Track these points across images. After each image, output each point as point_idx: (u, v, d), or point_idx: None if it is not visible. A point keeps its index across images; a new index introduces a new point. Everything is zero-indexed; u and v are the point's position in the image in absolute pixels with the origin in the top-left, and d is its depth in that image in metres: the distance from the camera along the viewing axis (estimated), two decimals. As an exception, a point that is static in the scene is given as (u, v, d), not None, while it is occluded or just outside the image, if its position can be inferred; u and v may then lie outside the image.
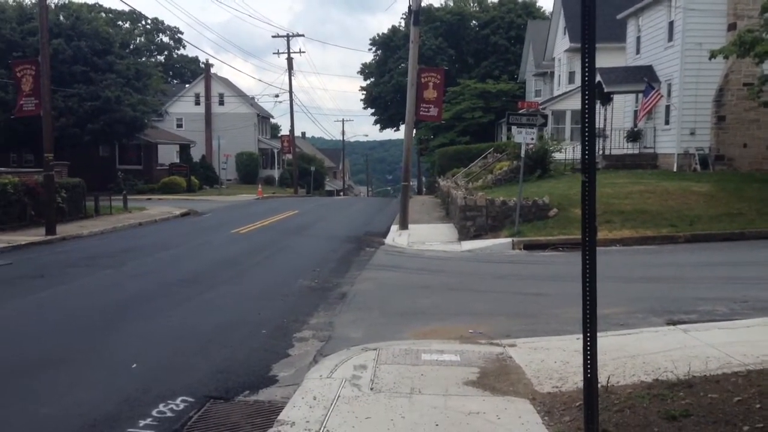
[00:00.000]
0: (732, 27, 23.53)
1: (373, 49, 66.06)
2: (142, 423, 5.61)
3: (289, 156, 57.68)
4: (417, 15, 21.28)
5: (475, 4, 67.69)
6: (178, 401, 6.08)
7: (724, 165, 24.29)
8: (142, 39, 68.77)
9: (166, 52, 76.97)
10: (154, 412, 5.83)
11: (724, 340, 7.11)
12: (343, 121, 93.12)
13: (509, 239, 16.63)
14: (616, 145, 28.52)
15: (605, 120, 28.51)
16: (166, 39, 76.35)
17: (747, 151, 24.29)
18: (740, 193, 18.99)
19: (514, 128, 18.86)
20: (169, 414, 5.82)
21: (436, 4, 65.19)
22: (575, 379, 5.91)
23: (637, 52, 29.88)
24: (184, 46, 77.42)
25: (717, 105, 24.51)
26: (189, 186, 43.11)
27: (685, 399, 5.27)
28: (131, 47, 45.55)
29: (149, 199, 35.77)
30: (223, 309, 10.04)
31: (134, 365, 7.18)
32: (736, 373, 5.85)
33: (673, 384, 5.63)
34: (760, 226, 16.48)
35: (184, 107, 60.10)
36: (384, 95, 63.62)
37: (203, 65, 64.17)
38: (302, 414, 5.43)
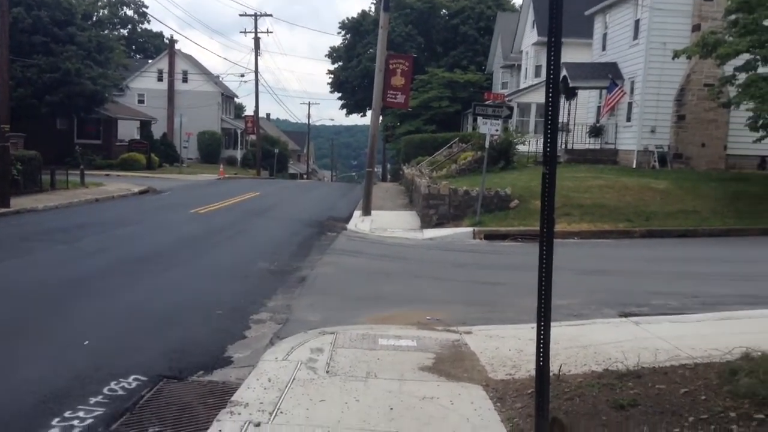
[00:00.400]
0: (696, 28, 23.97)
1: (342, 32, 65.61)
2: (93, 400, 5.53)
3: (253, 137, 57.12)
4: (387, 0, 21.19)
5: (446, -7, 67.68)
6: (130, 379, 6.01)
7: (682, 163, 24.80)
8: (106, 11, 66.97)
9: (129, 26, 75.24)
10: (105, 390, 5.75)
11: (674, 333, 7.28)
12: (309, 104, 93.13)
13: (470, 228, 16.76)
14: (578, 139, 28.90)
15: (569, 114, 28.85)
16: (130, 12, 74.61)
17: (705, 151, 24.84)
18: (696, 191, 19.43)
19: (479, 119, 18.99)
20: (120, 392, 5.75)
21: (407, -9, 64.81)
22: (528, 367, 5.99)
23: (603, 48, 30.26)
24: (148, 21, 75.77)
25: (678, 104, 24.98)
26: (149, 163, 42.37)
27: (634, 389, 5.40)
28: (94, 19, 44.29)
29: (107, 175, 35.08)
30: (180, 289, 9.94)
31: (86, 342, 7.06)
32: (684, 365, 6.00)
33: (623, 374, 5.75)
34: (713, 224, 16.91)
35: (147, 83, 58.95)
36: (351, 80, 63.32)
37: (167, 41, 63.00)
38: (256, 395, 5.42)
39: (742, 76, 19.37)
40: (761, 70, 18.83)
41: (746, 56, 19.06)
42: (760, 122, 18.85)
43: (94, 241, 14.21)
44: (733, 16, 19.46)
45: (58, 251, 12.79)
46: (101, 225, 16.74)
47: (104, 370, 6.22)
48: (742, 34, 18.76)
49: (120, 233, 15.49)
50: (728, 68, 20.59)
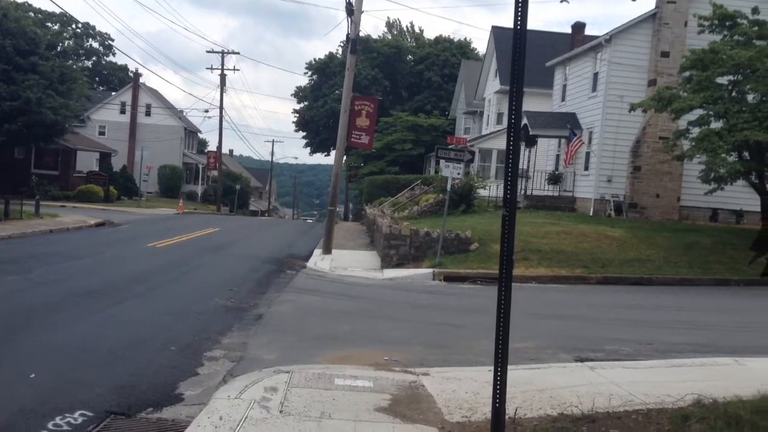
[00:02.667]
0: (652, 83, 24.80)
1: (309, 73, 66.25)
2: (35, 436, 5.33)
3: (215, 172, 56.83)
4: (355, 43, 21.50)
5: (412, 40, 69.10)
6: (76, 415, 5.81)
7: (637, 213, 25.37)
8: (71, 42, 66.50)
9: (94, 58, 74.78)
10: (50, 425, 5.55)
11: (628, 378, 7.35)
12: (273, 141, 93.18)
13: (430, 270, 16.80)
14: (537, 186, 29.42)
15: (529, 161, 29.41)
16: (95, 44, 74.29)
17: (659, 201, 25.48)
18: (650, 240, 19.85)
19: (442, 162, 19.20)
20: (65, 427, 5.55)
21: (376, 36, 66.00)
22: (484, 410, 5.97)
23: (563, 99, 31.07)
24: (113, 53, 75.45)
25: (634, 155, 25.66)
26: (107, 196, 41.68)
27: (588, 433, 5.41)
28: (58, 49, 43.90)
29: (63, 206, 34.38)
30: (132, 323, 9.70)
31: (32, 375, 6.83)
32: (637, 410, 6.05)
33: (578, 418, 5.77)
34: (667, 273, 17.25)
35: (109, 115, 58.39)
36: (317, 119, 63.73)
37: (132, 74, 62.74)
38: (207, 433, 5.28)
39: (695, 130, 20.02)
40: (714, 125, 19.50)
41: (699, 111, 19.74)
42: (712, 175, 19.43)
43: (47, 272, 13.84)
44: (687, 73, 20.19)
45: (8, 282, 12.41)
46: (54, 256, 16.34)
47: (49, 404, 6.01)
48: (696, 90, 19.47)
49: (73, 265, 15.13)
50: (682, 122, 21.28)
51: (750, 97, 19.47)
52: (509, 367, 4.74)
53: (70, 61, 49.72)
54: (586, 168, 27.63)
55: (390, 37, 67.33)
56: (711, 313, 13.41)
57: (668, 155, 22.82)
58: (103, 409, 6.01)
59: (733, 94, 19.56)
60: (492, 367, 4.75)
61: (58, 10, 70.44)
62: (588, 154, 27.41)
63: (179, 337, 8.89)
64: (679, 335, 10.50)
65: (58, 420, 5.67)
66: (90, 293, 11.70)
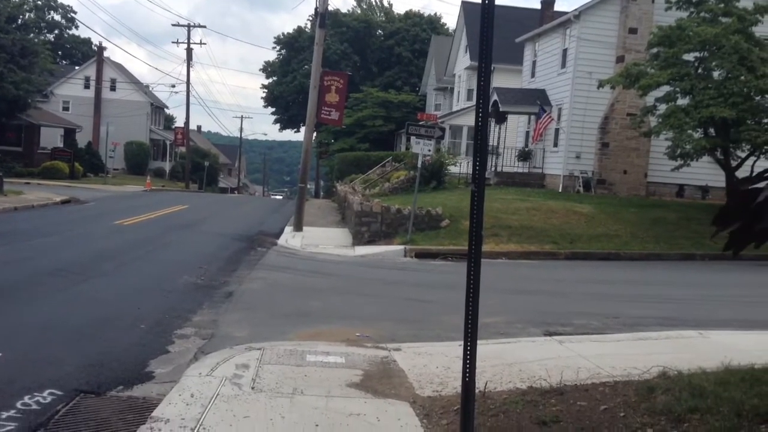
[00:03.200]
0: (620, 59, 24.99)
1: (278, 48, 65.47)
2: (4, 415, 5.26)
3: (183, 149, 56.11)
4: (323, 17, 21.27)
5: (382, 15, 68.49)
6: (45, 394, 5.74)
7: (605, 189, 25.69)
8: (32, 15, 64.71)
9: (56, 31, 72.77)
10: (18, 404, 5.48)
11: (596, 352, 7.49)
12: (242, 117, 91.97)
13: (402, 247, 16.86)
14: (507, 162, 29.57)
15: (499, 138, 29.51)
16: (57, 17, 72.24)
17: (626, 177, 25.80)
18: (618, 216, 20.13)
19: (413, 138, 19.19)
20: (34, 407, 5.49)
21: (345, 10, 65.32)
22: (455, 384, 6.04)
23: (533, 75, 31.16)
24: (76, 27, 73.39)
25: (602, 132, 25.91)
26: (72, 173, 40.93)
27: (556, 406, 5.50)
28: (19, 22, 42.76)
29: (28, 183, 33.69)
30: (100, 302, 9.59)
31: (-1, 355, 6.73)
32: (605, 383, 6.16)
33: (546, 391, 5.86)
34: (634, 248, 17.54)
35: (73, 90, 57.16)
36: (286, 95, 63.12)
37: (96, 48, 61.43)
38: (178, 411, 5.26)
39: (662, 107, 20.28)
40: (680, 101, 19.76)
41: (666, 88, 20.00)
42: (678, 152, 19.74)
43: (11, 250, 13.58)
44: (655, 50, 20.40)
45: (-29, 261, 12.16)
46: (19, 234, 16.04)
47: (17, 383, 5.93)
48: (663, 66, 19.68)
49: (39, 243, 14.87)
50: (650, 99, 21.53)
51: (716, 74, 19.75)
52: (479, 341, 4.77)
53: (32, 35, 48.44)
54: (556, 144, 27.84)
55: (359, 12, 66.70)
56: (677, 287, 13.69)
57: (636, 132, 23.11)
58: (72, 388, 5.95)
59: (699, 70, 19.83)
60: (462, 342, 4.79)
61: (18, -18, 68.34)
62: (557, 130, 27.60)
63: (148, 315, 8.81)
64: (646, 309, 10.70)
65: (26, 399, 5.60)
66: (56, 271, 11.51)
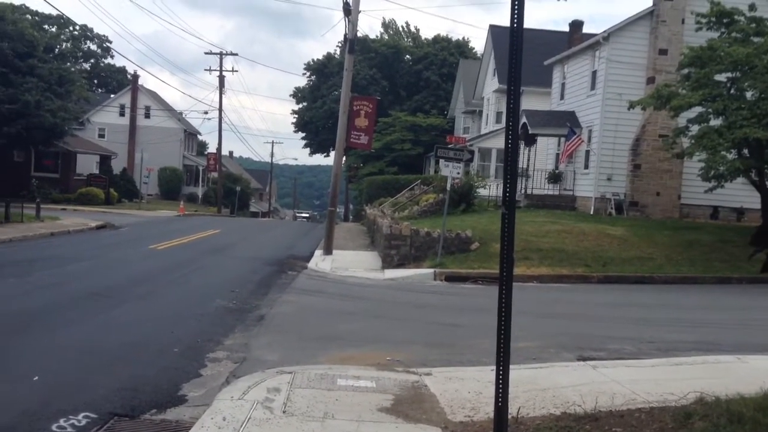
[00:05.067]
0: (651, 80, 24.81)
1: (308, 74, 66.32)
2: (39, 439, 5.34)
3: (215, 174, 56.81)
4: (353, 44, 21.51)
5: (410, 40, 69.11)
6: (80, 417, 5.82)
7: (638, 211, 25.37)
8: (69, 45, 66.48)
9: (92, 60, 74.68)
10: (54, 427, 5.56)
11: (630, 377, 7.36)
12: (272, 142, 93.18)
13: (431, 270, 16.80)
14: (537, 185, 29.41)
15: (528, 160, 29.40)
16: (93, 47, 74.13)
17: (659, 199, 25.48)
18: (651, 238, 19.85)
19: (441, 161, 19.20)
20: (69, 429, 5.57)
21: (372, 36, 66.01)
22: (487, 410, 5.98)
23: (562, 97, 31.08)
24: (111, 56, 75.34)
25: (633, 153, 25.66)
26: (107, 198, 41.73)
27: (591, 432, 5.42)
28: (56, 52, 43.93)
29: (64, 209, 34.41)
30: (134, 326, 9.71)
31: (35, 378, 6.83)
32: (640, 409, 6.05)
33: (580, 417, 5.78)
34: (668, 271, 17.26)
35: (108, 117, 58.41)
36: (316, 120, 63.78)
37: (130, 76, 62.75)
38: (211, 435, 5.28)
39: (694, 128, 20.03)
40: (713, 122, 19.51)
41: (698, 109, 19.76)
42: (712, 173, 19.43)
43: (47, 275, 13.84)
44: (686, 70, 20.20)
45: (9, 285, 12.42)
46: (55, 259, 16.36)
47: (53, 406, 6.02)
48: (695, 87, 19.47)
49: (74, 268, 15.14)
50: (681, 120, 21.30)
51: (749, 94, 19.47)
52: (511, 366, 4.74)
53: (68, 64, 49.75)
54: (586, 166, 27.64)
55: (387, 38, 67.34)
56: (713, 311, 13.42)
57: (668, 153, 22.81)
58: (106, 411, 6.02)
59: (732, 91, 19.56)
60: (494, 367, 4.75)
61: (55, 12, 70.59)
62: (588, 152, 27.42)
63: (181, 339, 8.90)
64: (681, 333, 10.51)
65: (61, 422, 5.68)
66: (91, 296, 11.70)
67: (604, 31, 26.55)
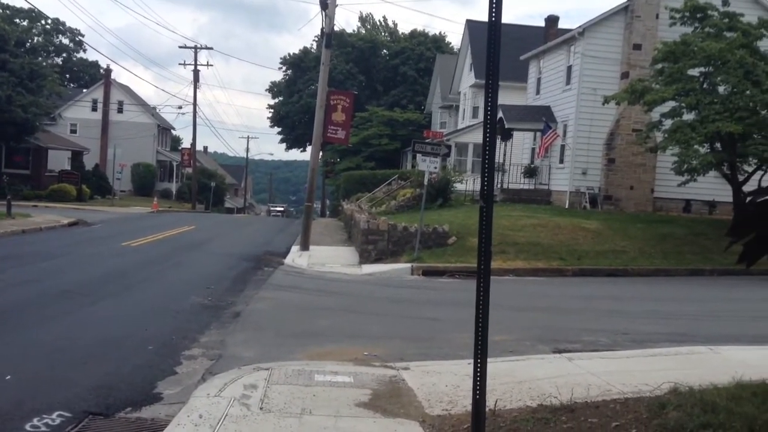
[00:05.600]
0: (625, 75, 25.03)
1: (284, 68, 65.96)
2: (12, 438, 5.26)
3: (189, 170, 56.31)
4: (329, 38, 21.41)
5: (387, 34, 69.01)
6: (54, 416, 5.73)
7: (612, 205, 25.62)
8: (41, 39, 65.47)
9: (64, 54, 73.62)
10: (27, 426, 5.48)
11: (606, 369, 7.43)
12: (248, 137, 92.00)
13: (409, 264, 16.83)
14: (513, 179, 29.56)
15: (505, 155, 29.51)
16: (65, 41, 73.08)
17: (633, 193, 25.74)
18: (625, 232, 20.06)
19: (419, 156, 19.23)
20: (43, 428, 5.48)
21: (349, 30, 65.81)
22: (464, 403, 6.00)
23: (537, 92, 31.24)
24: (84, 50, 74.35)
25: (608, 148, 25.89)
26: (80, 195, 41.14)
27: (567, 423, 5.46)
28: (27, 46, 43.23)
29: (36, 206, 33.87)
30: (108, 323, 9.60)
31: (8, 377, 6.72)
32: (615, 400, 6.12)
33: (557, 408, 5.82)
34: (641, 264, 17.47)
35: (80, 113, 57.59)
36: (292, 115, 63.49)
37: (103, 71, 61.91)
38: (187, 432, 5.24)
39: (668, 122, 20.27)
40: (686, 116, 19.76)
41: (672, 103, 19.99)
42: (685, 167, 19.68)
43: (19, 273, 13.62)
44: (659, 65, 20.44)
45: (-21, 283, 12.20)
46: (27, 257, 16.10)
47: (27, 405, 5.93)
48: (668, 82, 19.71)
49: (47, 265, 14.91)
50: (655, 114, 21.53)
51: (721, 89, 19.75)
52: (488, 359, 4.76)
53: (40, 58, 49.02)
54: (561, 161, 27.83)
55: (364, 32, 67.19)
56: (686, 303, 13.61)
57: (641, 147, 23.07)
58: (81, 410, 5.94)
59: (705, 85, 19.84)
60: (471, 360, 4.77)
61: (26, 6, 69.33)
62: (563, 146, 27.61)
63: (156, 336, 8.81)
64: (655, 325, 10.64)
65: (35, 421, 5.59)
66: (64, 293, 11.54)
67: (580, 27, 26.73)
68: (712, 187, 24.11)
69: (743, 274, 16.02)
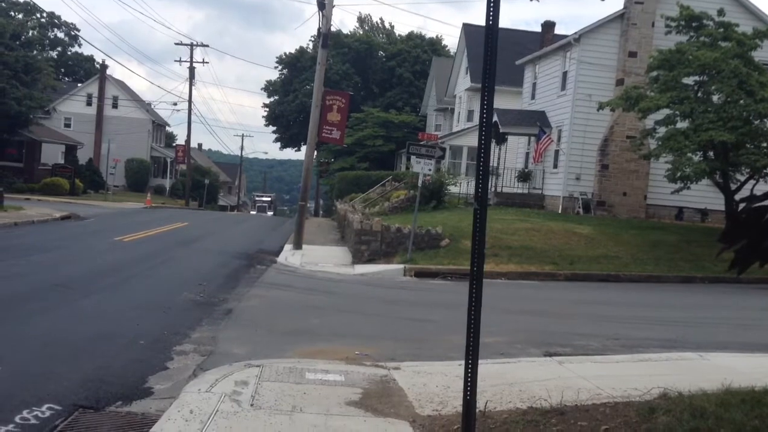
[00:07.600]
0: (620, 82, 25.14)
1: (280, 67, 65.88)
2: (3, 429, 5.25)
3: (183, 166, 56.18)
4: (326, 38, 21.42)
5: (384, 36, 69.07)
6: (43, 408, 5.73)
7: (605, 210, 25.71)
8: (36, 32, 65.15)
9: (60, 48, 73.28)
10: (17, 419, 5.47)
11: (596, 373, 7.47)
12: (242, 136, 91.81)
13: (401, 266, 16.84)
14: (507, 183, 29.63)
15: (499, 159, 29.60)
16: (61, 35, 72.79)
17: (626, 199, 25.85)
18: (618, 237, 20.14)
19: (413, 158, 19.24)
20: (33, 421, 5.47)
21: (345, 31, 65.80)
22: (455, 404, 6.02)
23: (533, 97, 31.33)
24: (79, 44, 74.04)
25: (602, 154, 25.99)
26: (73, 189, 41.00)
27: (557, 426, 5.48)
28: (22, 39, 43.01)
29: (28, 199, 33.74)
30: (100, 317, 9.57)
31: (-3, 370, 6.71)
32: (605, 403, 6.14)
33: (547, 411, 5.84)
34: (633, 270, 17.52)
35: (75, 107, 57.41)
36: (287, 114, 63.42)
37: (98, 65, 61.75)
38: (176, 427, 5.24)
39: (661, 130, 20.36)
40: (680, 124, 19.84)
41: (666, 111, 20.09)
42: (678, 174, 19.78)
43: (10, 265, 13.56)
44: (654, 73, 20.52)
45: (-30, 275, 12.15)
46: (19, 250, 16.03)
47: (17, 398, 5.92)
48: (663, 90, 19.80)
49: (39, 259, 14.85)
50: (649, 122, 21.63)
51: (715, 98, 19.85)
52: (479, 361, 4.78)
53: (35, 51, 48.77)
54: (555, 166, 27.91)
55: (361, 33, 67.22)
56: (676, 310, 13.66)
57: (635, 154, 23.17)
58: (71, 403, 5.93)
59: (699, 94, 19.93)
60: (462, 362, 4.79)
61: (22, -1, 68.90)
62: (557, 152, 27.69)
63: (148, 332, 8.79)
64: (646, 331, 10.68)
65: (25, 413, 5.58)
66: (55, 287, 11.50)
67: (576, 33, 26.82)
68: (705, 196, 24.23)
69: (734, 282, 16.10)
